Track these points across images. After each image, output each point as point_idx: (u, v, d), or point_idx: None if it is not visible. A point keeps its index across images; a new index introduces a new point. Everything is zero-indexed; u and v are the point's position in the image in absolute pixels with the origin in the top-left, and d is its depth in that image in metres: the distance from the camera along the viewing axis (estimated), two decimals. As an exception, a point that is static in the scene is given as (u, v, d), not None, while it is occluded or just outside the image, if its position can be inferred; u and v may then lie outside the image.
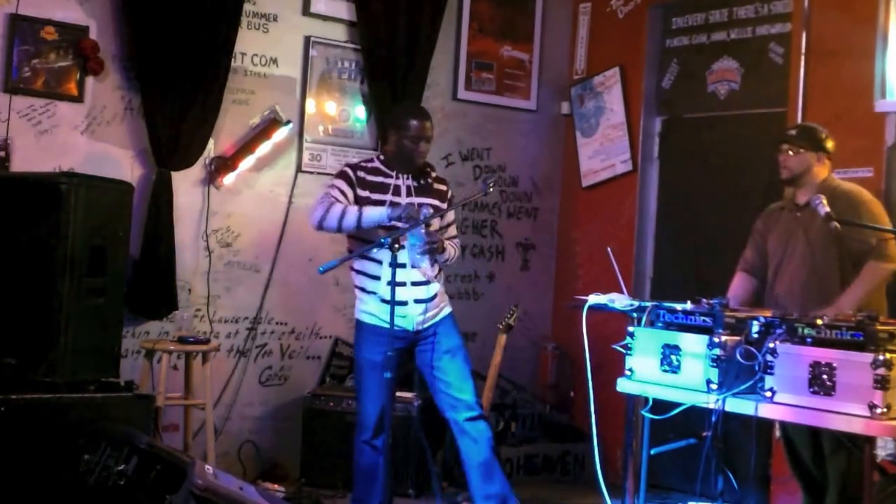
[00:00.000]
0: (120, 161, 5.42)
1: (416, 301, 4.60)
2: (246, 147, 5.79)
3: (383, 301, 4.48)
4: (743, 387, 3.73)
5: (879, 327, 3.52)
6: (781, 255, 4.60)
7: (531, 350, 6.80)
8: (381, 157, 4.75)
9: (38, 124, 5.21)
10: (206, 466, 3.85)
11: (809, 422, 3.65)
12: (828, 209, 4.14)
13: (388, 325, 4.30)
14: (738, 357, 3.75)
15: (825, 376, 3.51)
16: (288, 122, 5.89)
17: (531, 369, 6.80)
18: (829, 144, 4.56)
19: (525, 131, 6.85)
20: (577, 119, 6.86)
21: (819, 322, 3.64)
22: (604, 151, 6.65)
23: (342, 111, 6.18)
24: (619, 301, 4.27)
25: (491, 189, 4.61)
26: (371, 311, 4.62)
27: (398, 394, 5.63)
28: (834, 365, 3.50)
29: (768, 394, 3.66)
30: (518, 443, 6.18)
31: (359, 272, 4.65)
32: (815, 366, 3.54)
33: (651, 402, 4.07)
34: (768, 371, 3.68)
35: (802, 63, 5.55)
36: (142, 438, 4.00)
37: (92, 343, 4.46)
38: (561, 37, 6.95)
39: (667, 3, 6.48)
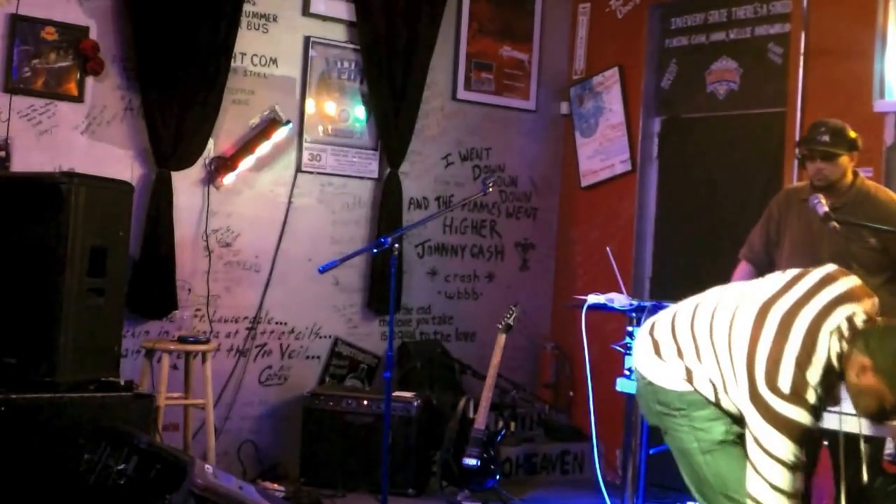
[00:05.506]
0: (120, 161, 5.42)
1: None
2: (246, 147, 5.79)
3: None
4: (742, 386, 3.73)
5: (878, 327, 3.51)
6: (799, 264, 4.02)
7: (530, 350, 6.80)
8: None
9: (38, 124, 5.21)
10: (206, 466, 3.86)
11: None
12: (826, 209, 3.98)
13: None
14: (738, 357, 3.74)
15: (824, 376, 3.51)
16: (287, 122, 5.89)
17: (530, 369, 6.81)
18: (860, 141, 4.25)
19: (524, 131, 6.85)
20: (576, 119, 6.86)
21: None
22: (603, 151, 6.66)
23: (342, 111, 6.19)
24: (619, 301, 4.27)
25: (490, 189, 4.57)
26: None
27: (398, 394, 5.66)
28: (833, 365, 3.50)
29: (767, 393, 3.66)
30: (517, 442, 6.18)
31: None
32: (814, 365, 3.54)
33: (650, 402, 4.06)
34: (767, 371, 3.67)
35: (801, 63, 5.56)
36: (142, 438, 4.00)
37: (92, 343, 4.47)
38: (560, 37, 6.96)
39: (666, 3, 6.49)
